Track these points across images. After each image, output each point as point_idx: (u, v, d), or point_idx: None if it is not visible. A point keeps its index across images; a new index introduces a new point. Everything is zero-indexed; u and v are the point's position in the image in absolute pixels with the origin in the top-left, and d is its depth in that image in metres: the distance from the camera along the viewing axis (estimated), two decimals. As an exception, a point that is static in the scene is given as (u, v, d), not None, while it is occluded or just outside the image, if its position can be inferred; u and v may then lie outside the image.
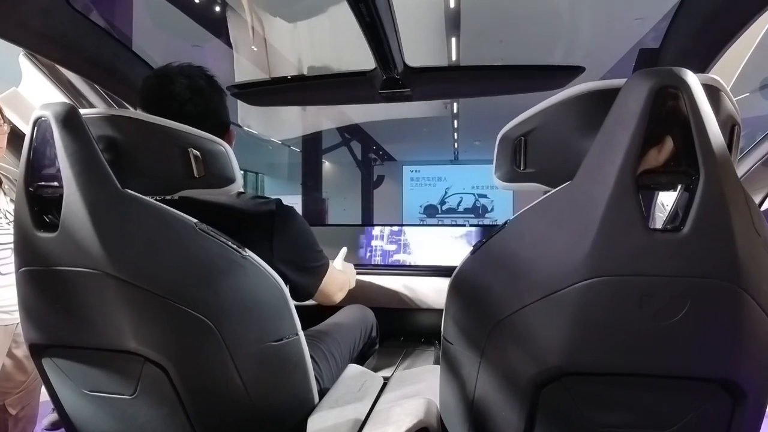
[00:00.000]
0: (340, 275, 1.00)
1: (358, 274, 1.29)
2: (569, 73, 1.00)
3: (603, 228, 0.46)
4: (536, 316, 0.51)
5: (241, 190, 0.70)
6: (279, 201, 0.76)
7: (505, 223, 0.56)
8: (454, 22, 3.46)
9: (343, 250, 1.23)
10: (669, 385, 0.49)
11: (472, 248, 0.61)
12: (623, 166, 0.44)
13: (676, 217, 0.46)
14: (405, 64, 1.04)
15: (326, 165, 10.97)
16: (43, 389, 0.73)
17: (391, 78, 1.04)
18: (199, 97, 0.73)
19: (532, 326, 0.51)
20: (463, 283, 0.62)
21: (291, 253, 0.75)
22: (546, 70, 1.07)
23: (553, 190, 0.51)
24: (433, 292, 1.30)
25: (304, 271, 0.79)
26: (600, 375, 0.50)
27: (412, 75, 1.07)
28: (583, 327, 0.48)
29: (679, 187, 0.47)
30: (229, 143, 0.78)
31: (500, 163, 0.59)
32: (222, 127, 0.78)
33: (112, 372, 0.63)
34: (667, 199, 1.31)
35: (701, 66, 0.84)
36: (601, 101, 0.48)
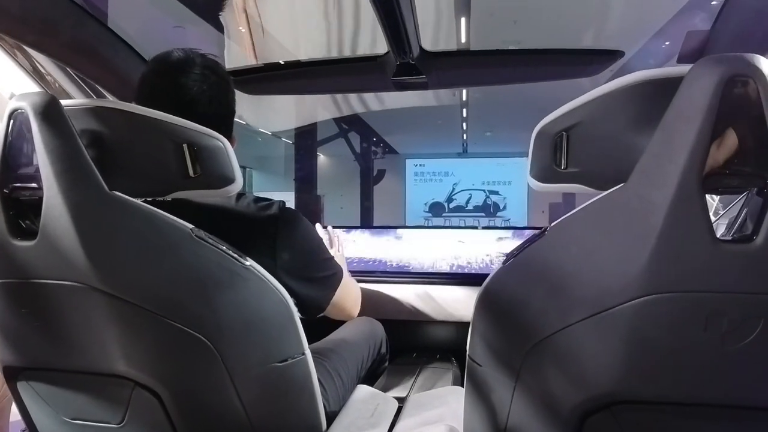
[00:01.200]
0: (355, 285, 0.98)
1: (363, 282, 1.28)
2: (606, 57, 0.98)
3: (663, 237, 0.44)
4: (582, 336, 0.49)
5: (242, 191, 0.69)
6: (282, 204, 0.74)
7: (544, 230, 0.54)
8: (464, 0, 3.44)
9: (331, 232, 1.20)
10: (736, 416, 0.48)
11: (504, 258, 0.60)
12: (687, 167, 0.43)
13: (743, 225, 0.45)
14: (421, 48, 1.03)
15: (321, 158, 10.97)
16: (14, 409, 0.72)
17: (405, 64, 1.02)
18: (210, 93, 0.72)
19: (577, 348, 0.50)
20: (495, 297, 0.61)
21: (297, 263, 0.74)
22: (580, 55, 1.05)
23: (603, 194, 0.49)
24: (449, 301, 1.28)
25: (312, 283, 0.77)
26: (655, 404, 0.49)
27: (428, 60, 1.05)
28: (637, 350, 0.47)
29: (748, 191, 0.45)
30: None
31: (537, 161, 0.58)
32: (227, 128, 0.77)
33: (98, 397, 0.62)
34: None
35: (760, 51, 0.82)
36: (660, 92, 0.46)
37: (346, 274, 0.87)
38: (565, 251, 0.52)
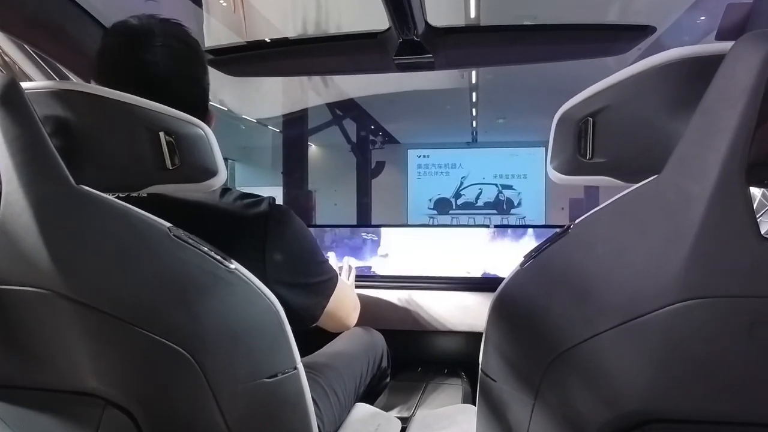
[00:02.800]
0: (352, 292, 0.99)
1: (361, 287, 1.28)
2: (634, 34, 0.98)
3: (702, 235, 0.44)
4: (611, 347, 0.49)
5: (226, 186, 0.69)
6: (272, 200, 0.75)
7: (568, 227, 0.55)
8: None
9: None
10: (784, 436, 0.48)
11: (522, 259, 0.60)
12: (729, 156, 0.43)
13: None
14: (427, 24, 1.03)
15: (313, 149, 10.98)
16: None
17: (409, 41, 1.02)
18: (179, 68, 0.72)
19: (604, 360, 0.50)
20: (511, 303, 0.61)
21: (289, 267, 0.74)
22: (604, 31, 1.05)
23: (633, 187, 0.49)
24: (457, 309, 1.29)
25: (306, 289, 0.78)
26: (692, 423, 0.49)
27: (435, 37, 1.05)
28: (673, 362, 0.47)
29: None
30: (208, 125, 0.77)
31: (559, 150, 0.58)
32: (204, 108, 0.77)
33: (65, 418, 0.62)
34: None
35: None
36: (698, 72, 0.46)
37: (344, 280, 0.87)
38: (590, 251, 0.52)
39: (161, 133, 0.59)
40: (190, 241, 0.60)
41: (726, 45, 0.45)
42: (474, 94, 7.72)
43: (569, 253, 0.54)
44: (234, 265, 0.63)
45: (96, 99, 0.59)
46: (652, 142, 0.50)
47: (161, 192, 0.63)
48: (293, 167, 7.63)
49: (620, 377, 0.49)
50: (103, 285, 0.57)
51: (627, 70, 0.51)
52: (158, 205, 0.64)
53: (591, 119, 0.54)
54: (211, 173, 0.63)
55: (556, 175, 0.59)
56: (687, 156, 0.45)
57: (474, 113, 8.99)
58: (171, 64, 0.71)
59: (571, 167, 0.57)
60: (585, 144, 0.55)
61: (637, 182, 0.49)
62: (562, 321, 0.53)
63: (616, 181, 0.55)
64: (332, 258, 1.21)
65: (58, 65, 1.12)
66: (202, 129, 0.62)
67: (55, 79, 1.16)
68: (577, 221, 0.54)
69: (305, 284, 0.78)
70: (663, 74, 0.49)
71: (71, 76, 1.13)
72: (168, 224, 0.60)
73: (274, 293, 0.68)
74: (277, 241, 0.73)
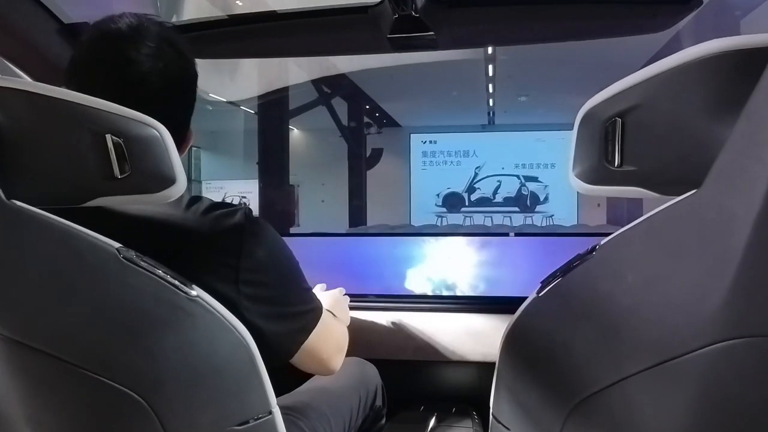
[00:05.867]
0: (339, 327, 0.99)
1: (351, 309, 1.28)
2: (676, 8, 0.99)
3: (746, 263, 0.45)
4: (642, 393, 0.50)
5: (192, 194, 0.70)
6: (249, 211, 0.76)
7: (593, 249, 0.55)
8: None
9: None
10: None
11: (539, 286, 0.61)
12: None
13: None
14: (427, -5, 1.03)
15: (296, 134, 10.98)
16: None
17: (405, 16, 1.03)
18: (171, 73, 0.75)
19: (635, 408, 0.51)
20: (527, 337, 0.62)
21: (267, 290, 0.75)
22: (640, 4, 1.05)
23: (668, 203, 0.50)
24: (467, 335, 1.29)
25: (283, 319, 0.78)
26: None
27: (436, 11, 1.05)
28: (714, 411, 0.48)
29: None
30: (185, 148, 0.81)
31: (582, 155, 0.59)
32: (187, 126, 0.81)
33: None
34: None
35: None
36: (744, 67, 0.47)
37: (327, 315, 0.87)
38: (618, 279, 0.53)
39: (108, 136, 0.60)
40: (143, 264, 0.61)
41: (780, 34, 0.46)
42: (490, 67, 7.69)
43: (594, 280, 0.55)
44: (196, 291, 0.64)
45: (27, 96, 0.59)
46: (689, 149, 0.50)
47: (109, 205, 0.64)
48: (271, 156, 7.59)
49: (654, 427, 0.50)
50: (39, 319, 0.57)
51: (659, 64, 0.51)
52: (105, 221, 0.65)
53: (619, 120, 0.54)
54: (168, 181, 0.63)
55: (579, 185, 0.60)
56: (729, 168, 0.46)
57: (490, 89, 8.97)
58: (158, 67, 0.73)
59: (596, 175, 0.58)
60: (612, 149, 0.55)
61: (676, 195, 0.50)
62: (585, 361, 0.54)
63: (648, 192, 0.56)
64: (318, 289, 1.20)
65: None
66: (156, 130, 0.63)
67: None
68: (602, 242, 0.55)
69: (284, 313, 0.78)
70: (701, 70, 0.49)
71: (21, 74, 1.12)
72: (117, 244, 0.60)
73: (247, 322, 0.69)
74: (253, 260, 0.73)
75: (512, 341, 0.63)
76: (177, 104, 0.79)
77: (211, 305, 0.65)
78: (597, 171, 0.57)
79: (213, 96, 7.34)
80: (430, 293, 1.42)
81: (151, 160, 0.62)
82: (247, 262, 0.73)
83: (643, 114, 0.53)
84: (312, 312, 0.83)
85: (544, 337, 0.59)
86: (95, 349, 0.59)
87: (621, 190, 0.57)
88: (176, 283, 0.62)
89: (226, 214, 0.74)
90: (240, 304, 0.71)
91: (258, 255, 0.74)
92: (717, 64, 0.48)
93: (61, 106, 0.60)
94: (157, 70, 0.73)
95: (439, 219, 11.61)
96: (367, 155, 10.49)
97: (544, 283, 0.60)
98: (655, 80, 0.52)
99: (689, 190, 0.49)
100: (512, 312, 0.65)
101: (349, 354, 1.22)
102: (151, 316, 0.61)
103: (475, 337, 1.29)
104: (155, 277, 0.61)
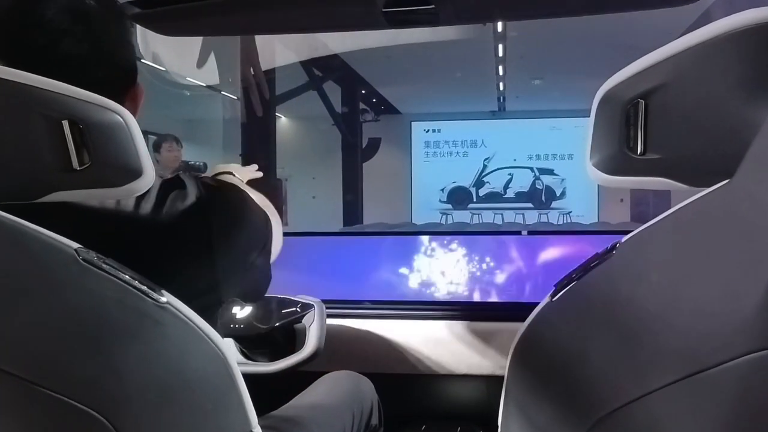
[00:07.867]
0: None
1: (342, 317, 1.29)
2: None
3: None
4: (669, 409, 0.50)
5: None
6: (202, 177, 0.80)
7: (613, 247, 0.55)
8: None
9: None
10: None
11: (553, 289, 0.61)
12: None
13: None
14: (426, -36, 1.03)
15: (283, 122, 11.00)
16: None
17: (403, -12, 1.02)
18: (83, 27, 0.72)
19: (662, 424, 0.51)
20: (538, 347, 0.62)
21: (238, 246, 0.81)
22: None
23: (697, 195, 0.50)
24: (472, 346, 1.30)
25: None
26: None
27: (437, -19, 1.05)
28: (749, 426, 0.48)
29: None
30: (134, 107, 0.78)
31: (601, 142, 0.59)
32: (122, 79, 0.78)
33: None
34: None
35: None
36: None
37: None
38: (642, 280, 0.53)
39: (64, 122, 0.59)
40: (105, 266, 0.60)
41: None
42: (500, 47, 7.71)
43: (614, 282, 0.55)
44: (165, 297, 0.64)
45: None
46: (721, 134, 0.50)
47: (67, 200, 0.63)
48: (255, 147, 7.60)
49: None
50: None
51: (687, 38, 0.51)
52: (63, 218, 0.65)
53: (642, 101, 0.54)
54: (134, 174, 0.63)
55: (597, 175, 0.60)
56: (766, 156, 0.46)
57: (501, 72, 9.00)
58: (69, 22, 0.71)
59: (617, 165, 0.58)
60: (635, 134, 0.55)
61: (705, 186, 0.50)
62: (605, 373, 0.54)
63: (675, 183, 0.56)
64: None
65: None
66: (120, 115, 0.62)
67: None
68: (623, 240, 0.55)
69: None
70: (735, 44, 0.49)
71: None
72: (75, 245, 0.60)
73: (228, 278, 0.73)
74: (224, 235, 0.77)
75: (523, 352, 0.63)
76: (107, 58, 0.76)
77: (183, 313, 0.65)
78: (617, 160, 0.57)
79: (190, 79, 7.35)
80: (432, 299, 1.42)
81: (114, 150, 0.62)
82: (220, 242, 0.76)
83: (669, 95, 0.53)
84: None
85: (559, 346, 0.59)
86: (51, 363, 0.58)
87: (644, 181, 0.57)
88: (143, 288, 0.62)
89: (182, 194, 0.76)
90: (218, 287, 0.76)
91: (226, 213, 0.79)
92: (753, 37, 0.48)
93: (10, 87, 0.59)
94: (70, 29, 0.72)
95: (444, 217, 11.63)
96: (363, 146, 10.50)
97: (559, 286, 0.60)
98: (682, 57, 0.52)
99: (721, 181, 0.49)
100: (523, 319, 0.65)
101: (342, 367, 1.23)
102: (115, 324, 0.61)
103: (482, 348, 1.29)
104: (119, 281, 0.61)
